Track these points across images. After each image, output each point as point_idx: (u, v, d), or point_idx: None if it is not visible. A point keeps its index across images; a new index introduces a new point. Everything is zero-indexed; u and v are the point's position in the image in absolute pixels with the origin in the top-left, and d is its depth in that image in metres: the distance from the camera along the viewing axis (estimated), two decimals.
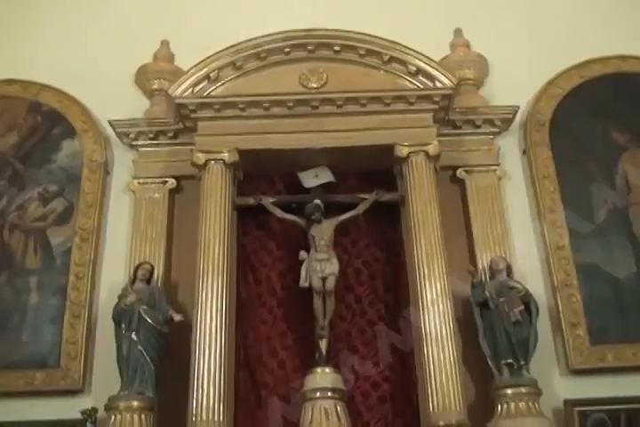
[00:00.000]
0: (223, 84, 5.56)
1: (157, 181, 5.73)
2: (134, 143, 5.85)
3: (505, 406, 4.76)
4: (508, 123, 5.87)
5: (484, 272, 5.26)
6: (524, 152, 5.91)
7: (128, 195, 5.80)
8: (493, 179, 5.70)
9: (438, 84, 5.50)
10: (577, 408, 4.96)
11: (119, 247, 5.60)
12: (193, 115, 5.51)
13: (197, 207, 5.33)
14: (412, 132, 5.43)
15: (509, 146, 5.93)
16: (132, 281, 5.18)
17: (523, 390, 4.78)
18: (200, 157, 5.41)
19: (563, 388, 5.11)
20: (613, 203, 5.67)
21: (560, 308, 5.30)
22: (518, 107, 5.86)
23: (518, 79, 6.07)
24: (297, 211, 5.51)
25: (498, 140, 5.88)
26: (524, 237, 5.56)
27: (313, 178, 5.65)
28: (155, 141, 5.81)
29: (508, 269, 5.20)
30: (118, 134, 5.89)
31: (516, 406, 4.74)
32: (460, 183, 5.71)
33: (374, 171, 5.65)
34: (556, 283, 5.37)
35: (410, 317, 5.14)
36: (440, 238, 5.14)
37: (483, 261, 5.35)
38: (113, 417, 4.74)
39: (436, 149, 5.40)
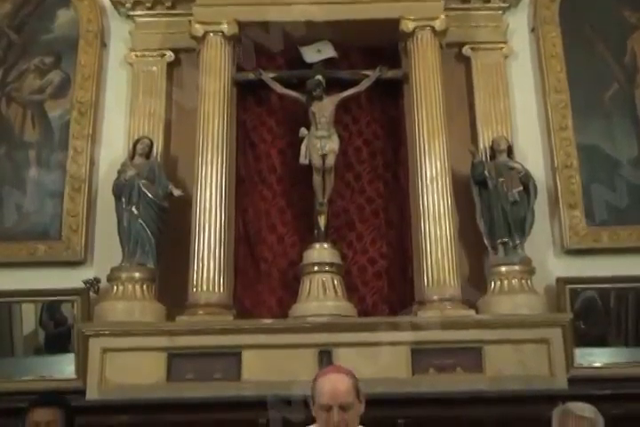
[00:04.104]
0: None
1: (155, 53, 5.59)
2: (131, 13, 5.65)
3: (498, 282, 4.86)
4: None
5: (485, 152, 5.24)
6: (532, 30, 5.74)
7: (125, 68, 5.66)
8: (500, 57, 5.57)
9: None
10: (568, 286, 5.07)
11: (118, 121, 5.54)
12: None
13: (196, 82, 5.22)
14: (418, 6, 5.26)
15: (518, 23, 5.74)
16: (132, 156, 5.15)
17: (516, 267, 4.86)
18: (198, 29, 5.27)
19: (557, 267, 5.19)
20: (620, 84, 5.56)
21: (559, 189, 5.31)
22: None
23: None
24: (298, 87, 5.40)
25: (507, 17, 5.70)
26: (527, 117, 5.50)
27: (315, 53, 5.51)
28: (152, 11, 5.61)
29: (509, 150, 5.18)
30: (114, 3, 5.68)
31: (509, 283, 4.84)
32: (466, 61, 5.58)
33: (378, 47, 5.51)
34: (556, 164, 5.35)
35: (409, 194, 5.17)
36: (442, 115, 5.08)
37: (484, 140, 5.30)
38: (115, 288, 4.84)
39: (443, 24, 5.26)
